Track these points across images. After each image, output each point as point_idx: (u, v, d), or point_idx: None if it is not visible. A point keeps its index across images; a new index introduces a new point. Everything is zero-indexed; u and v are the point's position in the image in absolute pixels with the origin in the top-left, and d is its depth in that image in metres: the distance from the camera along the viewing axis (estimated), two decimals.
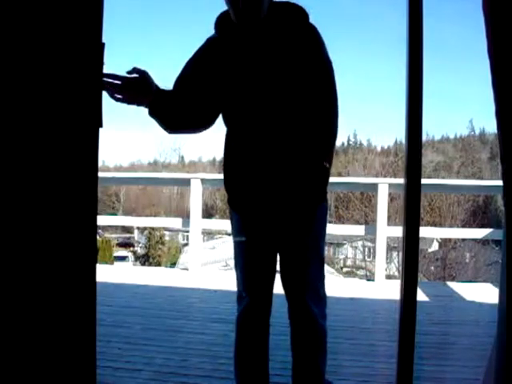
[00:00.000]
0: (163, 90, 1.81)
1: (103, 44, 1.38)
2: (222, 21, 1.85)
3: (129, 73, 1.72)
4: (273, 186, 1.80)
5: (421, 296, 3.92)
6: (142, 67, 1.74)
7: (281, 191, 1.80)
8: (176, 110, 1.84)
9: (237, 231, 1.93)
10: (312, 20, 1.83)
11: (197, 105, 1.86)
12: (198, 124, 1.92)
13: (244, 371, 1.95)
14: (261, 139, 1.79)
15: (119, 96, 1.70)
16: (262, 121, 1.78)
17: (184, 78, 1.86)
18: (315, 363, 1.93)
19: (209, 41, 1.88)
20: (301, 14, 1.81)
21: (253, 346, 1.95)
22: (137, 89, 1.72)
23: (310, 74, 1.77)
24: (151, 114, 1.81)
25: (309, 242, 1.86)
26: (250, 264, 1.90)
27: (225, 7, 1.81)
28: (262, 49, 1.78)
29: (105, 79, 1.59)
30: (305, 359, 1.93)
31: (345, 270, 19.69)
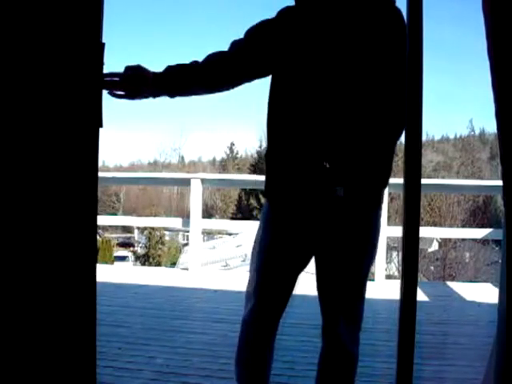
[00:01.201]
0: (168, 70, 1.72)
1: (103, 44, 1.38)
2: None
3: (123, 74, 1.69)
4: (306, 180, 1.67)
5: (421, 296, 3.93)
6: (135, 63, 1.72)
7: (330, 186, 1.66)
8: (198, 79, 1.74)
9: (264, 230, 1.78)
10: None
11: (234, 71, 1.75)
12: (234, 83, 1.79)
13: (244, 376, 1.93)
14: (320, 123, 1.65)
15: (120, 92, 1.69)
16: (327, 104, 1.64)
17: (243, 45, 1.74)
18: None
19: (282, 12, 1.73)
20: None
21: (256, 351, 1.87)
22: (136, 81, 1.70)
23: (391, 62, 1.62)
24: (170, 96, 1.74)
25: (349, 258, 1.72)
26: (270, 265, 1.76)
27: None
28: (341, 26, 1.65)
29: (104, 78, 1.57)
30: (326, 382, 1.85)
31: None
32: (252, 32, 1.75)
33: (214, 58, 1.76)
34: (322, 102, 1.65)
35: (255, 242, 1.82)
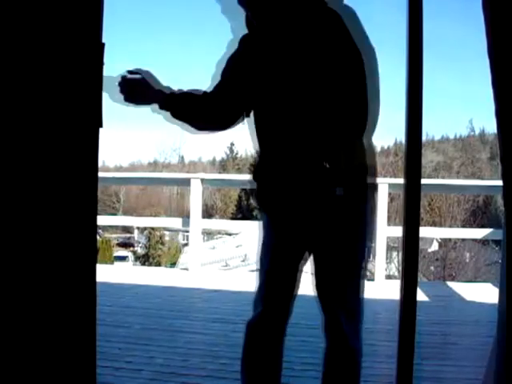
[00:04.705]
0: (184, 93, 1.80)
1: (103, 44, 1.38)
2: (251, 17, 1.80)
3: (130, 72, 1.73)
4: (301, 183, 1.74)
5: (421, 296, 3.92)
6: (145, 68, 1.75)
7: (308, 189, 1.73)
8: (206, 112, 1.84)
9: (266, 233, 1.86)
10: None
11: (232, 106, 1.85)
12: (229, 123, 1.90)
13: (251, 379, 1.89)
14: (288, 136, 1.74)
15: (122, 94, 1.69)
16: (289, 118, 1.73)
17: (222, 81, 1.84)
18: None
19: (242, 40, 1.85)
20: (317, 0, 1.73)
21: (262, 354, 1.86)
22: (140, 88, 1.72)
23: (334, 66, 1.68)
24: (175, 116, 1.80)
25: (342, 251, 1.77)
26: (275, 268, 1.82)
27: None
28: (284, 43, 1.73)
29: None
30: (332, 379, 1.86)
31: None
32: (225, 69, 1.84)
33: (206, 99, 1.83)
34: (289, 112, 1.73)
35: (261, 246, 1.87)
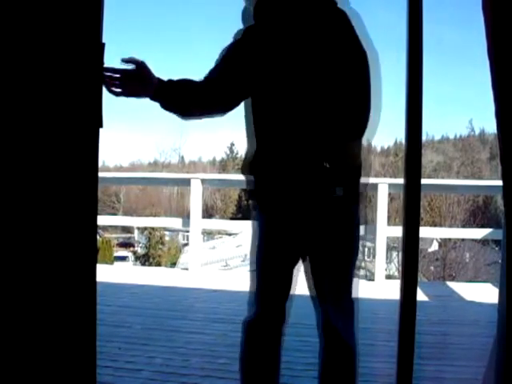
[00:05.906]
0: (174, 81, 1.75)
1: (103, 44, 1.38)
2: (259, 8, 1.81)
3: (125, 61, 1.65)
4: (299, 182, 1.73)
5: (421, 296, 3.92)
6: (140, 58, 1.70)
7: (307, 188, 1.72)
8: (207, 97, 1.79)
9: (261, 233, 1.85)
10: None
11: (227, 94, 1.80)
12: (220, 110, 1.85)
13: (249, 378, 1.90)
14: (286, 132, 1.72)
15: (118, 90, 1.67)
16: (288, 113, 1.71)
17: (224, 66, 1.80)
18: None
19: (247, 31, 1.83)
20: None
21: (260, 355, 1.87)
22: (136, 80, 1.68)
23: (340, 65, 1.69)
24: (165, 107, 1.75)
25: (338, 251, 1.79)
26: (269, 270, 1.83)
27: None
28: (291, 37, 1.73)
29: (104, 73, 1.57)
30: (328, 377, 1.88)
31: None
32: (228, 54, 1.82)
33: (205, 83, 1.79)
34: (290, 106, 1.72)
35: (252, 247, 1.87)
